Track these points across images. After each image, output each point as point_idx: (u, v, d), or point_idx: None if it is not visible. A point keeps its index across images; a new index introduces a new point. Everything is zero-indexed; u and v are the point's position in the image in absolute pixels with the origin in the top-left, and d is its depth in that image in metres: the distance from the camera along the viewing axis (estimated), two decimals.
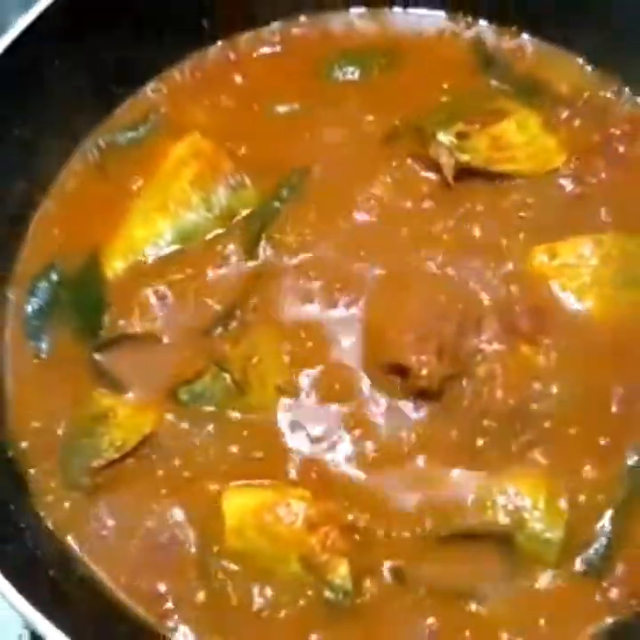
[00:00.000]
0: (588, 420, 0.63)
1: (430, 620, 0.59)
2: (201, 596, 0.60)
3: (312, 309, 0.67)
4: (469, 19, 0.76)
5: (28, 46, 0.68)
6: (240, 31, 0.78)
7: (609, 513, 0.61)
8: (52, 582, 0.58)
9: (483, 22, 0.76)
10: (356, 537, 0.60)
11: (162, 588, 0.61)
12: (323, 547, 0.59)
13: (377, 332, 0.65)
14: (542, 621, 0.59)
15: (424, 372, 0.62)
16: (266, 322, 0.66)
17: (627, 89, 0.73)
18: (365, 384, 0.64)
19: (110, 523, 0.63)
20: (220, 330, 0.66)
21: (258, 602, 0.60)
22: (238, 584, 0.60)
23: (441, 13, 0.76)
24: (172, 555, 0.62)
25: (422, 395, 0.63)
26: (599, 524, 0.61)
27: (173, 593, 0.60)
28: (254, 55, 0.77)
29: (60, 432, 0.65)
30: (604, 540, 0.60)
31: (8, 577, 0.53)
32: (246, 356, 0.65)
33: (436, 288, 0.66)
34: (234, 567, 0.60)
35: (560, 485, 0.62)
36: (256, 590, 0.60)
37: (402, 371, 0.63)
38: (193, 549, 0.62)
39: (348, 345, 0.65)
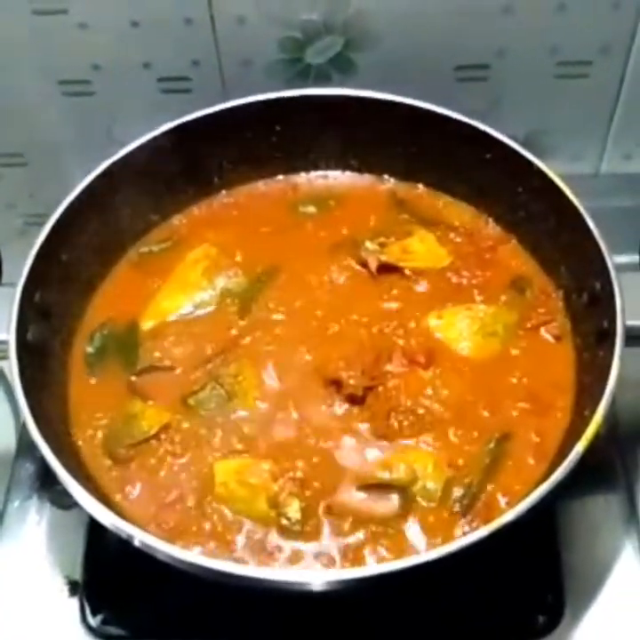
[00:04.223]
0: (466, 420, 0.91)
1: (355, 533, 0.86)
2: (197, 527, 0.87)
3: (280, 350, 0.97)
4: (385, 178, 1.11)
5: (100, 190, 1.01)
6: (238, 186, 1.12)
7: (476, 475, 0.88)
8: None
9: (394, 180, 1.11)
10: (304, 485, 0.87)
11: (171, 523, 0.87)
12: (282, 490, 0.86)
13: (323, 362, 0.95)
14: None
15: (352, 382, 0.92)
16: (249, 356, 0.96)
17: (490, 220, 1.07)
18: (314, 394, 0.93)
19: (138, 482, 0.89)
20: (217, 361, 0.97)
21: (236, 529, 0.86)
22: (223, 519, 0.87)
23: (368, 175, 1.12)
24: (178, 504, 0.88)
25: (351, 398, 0.92)
26: (469, 482, 0.87)
27: (179, 527, 0.87)
28: (246, 199, 1.11)
29: (105, 425, 0.93)
30: (470, 491, 0.87)
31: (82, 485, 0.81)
32: (234, 375, 0.94)
33: (363, 337, 0.97)
34: (220, 508, 0.87)
35: (443, 458, 0.89)
36: (235, 521, 0.87)
37: (337, 383, 0.93)
38: (192, 501, 0.88)
39: (303, 370, 0.95)
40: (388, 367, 0.94)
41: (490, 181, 1.05)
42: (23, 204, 1.31)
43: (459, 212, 1.08)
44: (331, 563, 0.84)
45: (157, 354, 0.98)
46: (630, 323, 0.88)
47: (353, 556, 0.84)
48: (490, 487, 0.88)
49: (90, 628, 0.93)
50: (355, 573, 0.77)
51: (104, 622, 0.94)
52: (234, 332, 0.99)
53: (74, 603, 0.95)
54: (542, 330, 0.98)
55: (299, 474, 0.88)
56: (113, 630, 0.93)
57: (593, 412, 0.84)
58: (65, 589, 0.95)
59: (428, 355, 0.95)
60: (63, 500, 0.98)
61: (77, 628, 0.93)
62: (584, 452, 0.81)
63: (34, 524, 1.00)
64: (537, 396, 0.93)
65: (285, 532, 0.86)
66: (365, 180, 1.12)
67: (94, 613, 0.94)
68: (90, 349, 0.99)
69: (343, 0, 1.07)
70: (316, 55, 1.13)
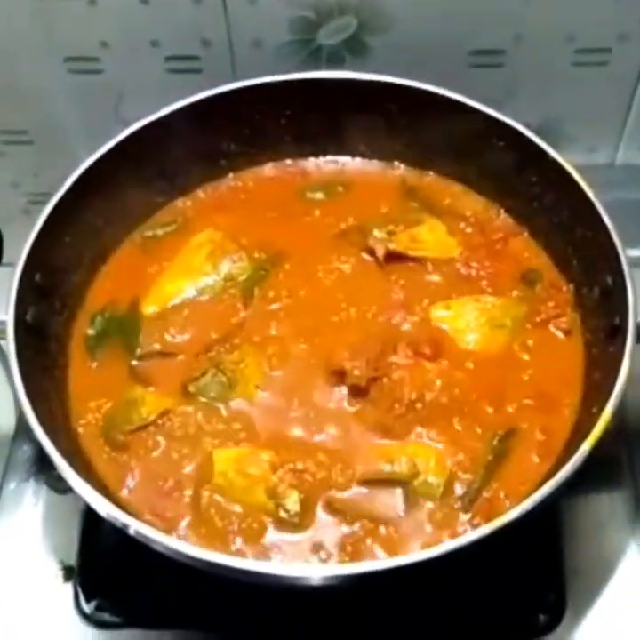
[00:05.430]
0: (470, 415, 0.90)
1: (355, 527, 0.84)
2: (194, 516, 0.85)
3: (284, 337, 0.95)
4: (395, 164, 1.09)
5: (105, 169, 0.99)
6: (245, 169, 1.11)
7: (479, 471, 0.86)
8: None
9: (405, 167, 1.09)
10: (304, 477, 0.85)
11: (167, 512, 0.86)
12: (281, 482, 0.85)
13: (327, 352, 0.93)
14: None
15: (356, 372, 0.90)
16: (251, 343, 0.94)
17: (502, 211, 1.05)
18: (317, 383, 0.92)
19: (136, 469, 0.88)
20: (219, 347, 0.95)
21: (234, 519, 0.85)
22: (220, 509, 0.86)
23: (376, 161, 1.10)
24: (175, 492, 0.87)
25: (354, 389, 0.90)
26: (471, 478, 0.86)
27: (176, 516, 0.85)
28: (254, 183, 1.09)
29: (104, 410, 0.91)
30: (473, 488, 0.85)
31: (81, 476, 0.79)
32: (236, 362, 0.93)
33: (368, 327, 0.96)
34: (218, 498, 0.86)
35: (446, 453, 0.87)
36: (233, 512, 0.86)
37: (341, 373, 0.91)
38: (190, 490, 0.87)
39: (306, 359, 0.93)
40: (393, 358, 0.92)
41: (502, 171, 1.02)
42: (27, 183, 1.29)
43: (470, 202, 1.06)
44: (328, 557, 0.82)
45: (159, 339, 0.96)
46: None
47: (352, 550, 0.83)
48: (493, 484, 0.86)
49: (83, 615, 0.93)
50: (353, 569, 0.76)
51: (98, 609, 0.93)
52: (237, 318, 0.97)
53: (68, 588, 0.94)
54: (551, 324, 0.96)
55: (299, 465, 0.86)
56: (106, 617, 0.92)
57: (601, 409, 0.82)
58: (59, 575, 0.94)
59: (434, 346, 0.93)
60: (60, 485, 0.97)
61: (71, 614, 0.93)
62: (591, 450, 0.79)
63: (30, 506, 0.99)
64: (543, 391, 0.91)
65: (283, 523, 0.84)
66: (375, 166, 1.10)
67: (88, 600, 0.93)
68: (91, 332, 0.98)
69: None
70: (328, 36, 1.11)
